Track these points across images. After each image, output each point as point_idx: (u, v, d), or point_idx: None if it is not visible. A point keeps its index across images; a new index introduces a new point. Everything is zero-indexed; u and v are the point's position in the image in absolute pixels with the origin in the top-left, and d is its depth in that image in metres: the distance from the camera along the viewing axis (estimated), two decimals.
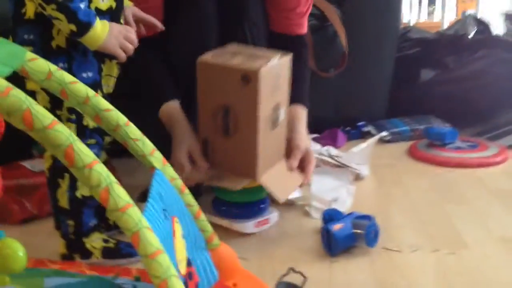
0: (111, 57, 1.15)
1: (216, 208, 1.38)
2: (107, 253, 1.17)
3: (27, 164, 1.46)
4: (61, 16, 1.00)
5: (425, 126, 2.10)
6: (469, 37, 2.44)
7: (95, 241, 1.17)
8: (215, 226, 1.28)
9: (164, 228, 0.77)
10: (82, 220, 1.16)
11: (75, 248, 1.17)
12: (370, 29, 2.12)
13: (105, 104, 0.85)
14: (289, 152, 1.35)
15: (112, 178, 0.63)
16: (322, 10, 1.93)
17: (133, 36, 1.13)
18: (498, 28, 2.76)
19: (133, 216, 0.63)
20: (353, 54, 1.98)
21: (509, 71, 2.20)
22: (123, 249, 1.17)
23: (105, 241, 1.19)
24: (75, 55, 1.08)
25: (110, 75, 1.19)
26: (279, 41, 1.44)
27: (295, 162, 1.33)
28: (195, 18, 1.37)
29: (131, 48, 1.13)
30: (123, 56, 1.12)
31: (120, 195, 0.63)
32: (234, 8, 1.44)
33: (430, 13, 4.38)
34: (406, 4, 3.95)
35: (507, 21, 2.90)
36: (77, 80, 0.83)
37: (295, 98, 1.38)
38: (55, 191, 1.15)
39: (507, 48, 2.29)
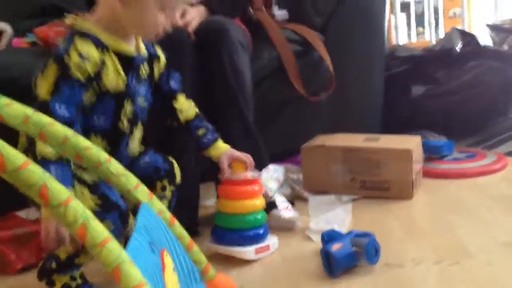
0: None
1: (216, 236, 1.36)
2: None
3: (22, 213, 1.46)
4: None
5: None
6: (457, 49, 2.45)
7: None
8: (215, 255, 1.29)
9: (151, 262, 0.76)
10: (71, 268, 1.14)
11: (43, 275, 1.15)
12: (355, 51, 2.13)
13: (84, 142, 0.85)
14: None
15: (89, 213, 0.63)
16: (305, 37, 1.94)
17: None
18: (483, 40, 2.78)
19: (113, 250, 0.61)
20: (342, 76, 1.98)
21: (500, 78, 2.20)
22: None
23: (72, 278, 1.15)
24: None
25: None
26: None
27: None
28: None
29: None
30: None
31: (98, 229, 0.62)
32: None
33: (420, 34, 4.41)
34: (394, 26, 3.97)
35: (493, 32, 2.93)
36: (54, 121, 0.83)
37: None
38: None
39: (497, 56, 2.30)
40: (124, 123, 1.15)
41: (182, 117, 1.29)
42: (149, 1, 1.06)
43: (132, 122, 1.17)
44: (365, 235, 1.23)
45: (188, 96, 1.44)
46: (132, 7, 1.06)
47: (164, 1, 1.08)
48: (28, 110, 0.81)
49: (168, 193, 1.25)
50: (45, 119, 0.82)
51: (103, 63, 1.07)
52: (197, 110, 1.31)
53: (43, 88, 1.03)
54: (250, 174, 1.33)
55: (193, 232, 1.44)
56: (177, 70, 1.41)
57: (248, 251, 1.31)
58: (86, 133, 1.08)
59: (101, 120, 1.11)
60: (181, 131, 1.31)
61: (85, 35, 1.06)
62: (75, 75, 1.03)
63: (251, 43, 1.80)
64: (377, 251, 1.20)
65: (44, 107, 1.00)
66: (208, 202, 1.64)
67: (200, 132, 1.29)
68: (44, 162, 0.96)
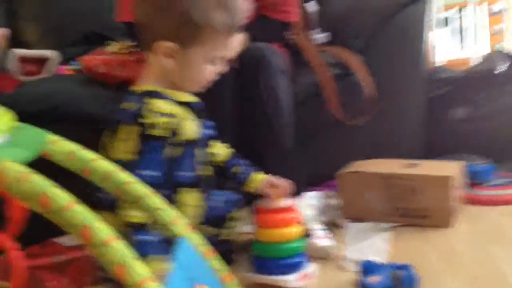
0: None
1: (258, 266, 1.35)
2: None
3: (60, 240, 1.49)
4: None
5: None
6: (497, 72, 2.41)
7: None
8: (251, 286, 1.29)
9: None
10: None
11: None
12: (396, 73, 2.12)
13: (125, 177, 0.88)
14: None
15: (129, 253, 0.65)
16: (345, 59, 1.95)
17: None
18: None
19: None
20: (382, 99, 1.98)
21: None
22: None
23: None
24: None
25: None
26: (267, 24, 1.69)
27: None
28: None
29: None
30: None
31: (137, 270, 0.64)
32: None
33: (460, 50, 4.35)
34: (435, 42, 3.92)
35: None
36: (98, 157, 0.86)
37: None
38: None
39: None
40: (202, 169, 1.18)
41: (218, 159, 1.32)
42: (200, 57, 1.09)
43: (205, 165, 1.20)
44: (403, 267, 1.22)
45: (228, 124, 1.47)
46: (184, 63, 1.09)
47: (213, 54, 1.10)
48: (73, 146, 0.85)
49: (235, 223, 1.28)
50: (88, 155, 0.85)
51: (178, 116, 1.10)
52: (231, 150, 1.33)
53: (120, 150, 1.05)
54: (285, 202, 1.33)
55: (228, 260, 1.45)
56: (218, 98, 1.44)
57: (292, 279, 1.30)
58: (178, 190, 1.11)
59: (186, 173, 1.13)
60: (217, 173, 1.34)
61: (153, 94, 1.08)
62: (156, 134, 1.05)
63: (290, 67, 1.82)
64: (415, 284, 1.19)
65: (129, 170, 1.03)
66: (244, 228, 1.64)
67: (236, 169, 1.32)
68: (136, 228, 1.00)
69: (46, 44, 2.14)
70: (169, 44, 1.06)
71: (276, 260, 1.32)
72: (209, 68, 1.12)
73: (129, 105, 1.09)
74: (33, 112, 1.61)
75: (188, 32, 1.05)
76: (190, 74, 1.11)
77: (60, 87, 1.71)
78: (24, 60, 1.94)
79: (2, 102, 1.64)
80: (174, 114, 1.08)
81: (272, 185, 1.32)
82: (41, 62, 1.97)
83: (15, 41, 2.10)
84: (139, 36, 1.12)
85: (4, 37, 1.80)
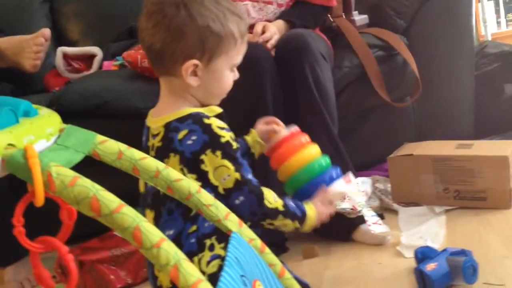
0: None
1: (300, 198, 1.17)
2: None
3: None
4: (287, 221, 1.05)
5: None
6: None
7: None
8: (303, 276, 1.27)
9: None
10: None
11: None
12: (442, 52, 2.05)
13: (175, 175, 0.87)
14: None
15: (180, 254, 0.64)
16: (387, 41, 1.89)
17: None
18: None
19: None
20: (428, 80, 1.92)
21: None
22: None
23: None
24: None
25: None
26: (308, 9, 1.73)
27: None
28: None
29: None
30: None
31: (190, 271, 0.63)
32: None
33: (510, 21, 4.18)
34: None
35: None
36: (147, 156, 0.85)
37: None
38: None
39: None
40: None
41: None
42: (224, 66, 1.07)
43: None
44: (461, 253, 1.18)
45: (269, 112, 1.44)
46: (209, 76, 1.06)
47: (234, 62, 1.09)
48: (122, 146, 0.84)
49: None
50: (137, 154, 0.84)
51: None
52: None
53: (219, 178, 1.03)
54: (289, 129, 1.20)
55: (282, 249, 1.44)
56: (257, 87, 1.42)
57: (340, 185, 1.17)
58: None
59: None
60: None
61: (201, 115, 1.04)
62: (236, 147, 1.04)
63: (333, 51, 1.78)
64: (475, 270, 1.14)
65: (246, 184, 1.03)
66: None
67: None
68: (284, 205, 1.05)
69: (89, 41, 2.17)
70: (194, 62, 1.04)
71: (312, 181, 1.17)
72: (231, 76, 1.10)
73: (185, 133, 1.03)
74: (82, 109, 1.64)
75: (213, 44, 1.04)
76: (215, 86, 1.08)
77: (107, 84, 1.73)
78: (70, 57, 1.97)
79: (52, 100, 1.70)
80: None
81: (266, 122, 1.23)
82: (87, 58, 1.99)
83: (58, 39, 2.13)
84: (155, 64, 1.08)
85: (48, 36, 1.82)
